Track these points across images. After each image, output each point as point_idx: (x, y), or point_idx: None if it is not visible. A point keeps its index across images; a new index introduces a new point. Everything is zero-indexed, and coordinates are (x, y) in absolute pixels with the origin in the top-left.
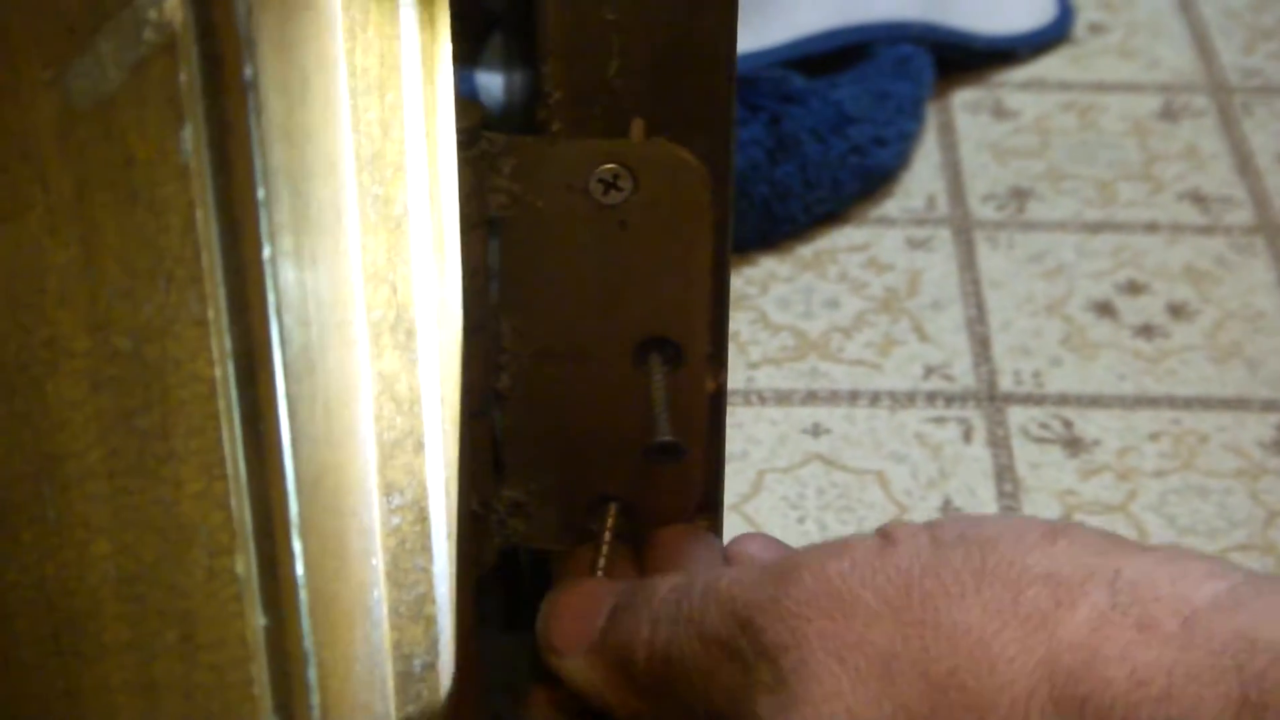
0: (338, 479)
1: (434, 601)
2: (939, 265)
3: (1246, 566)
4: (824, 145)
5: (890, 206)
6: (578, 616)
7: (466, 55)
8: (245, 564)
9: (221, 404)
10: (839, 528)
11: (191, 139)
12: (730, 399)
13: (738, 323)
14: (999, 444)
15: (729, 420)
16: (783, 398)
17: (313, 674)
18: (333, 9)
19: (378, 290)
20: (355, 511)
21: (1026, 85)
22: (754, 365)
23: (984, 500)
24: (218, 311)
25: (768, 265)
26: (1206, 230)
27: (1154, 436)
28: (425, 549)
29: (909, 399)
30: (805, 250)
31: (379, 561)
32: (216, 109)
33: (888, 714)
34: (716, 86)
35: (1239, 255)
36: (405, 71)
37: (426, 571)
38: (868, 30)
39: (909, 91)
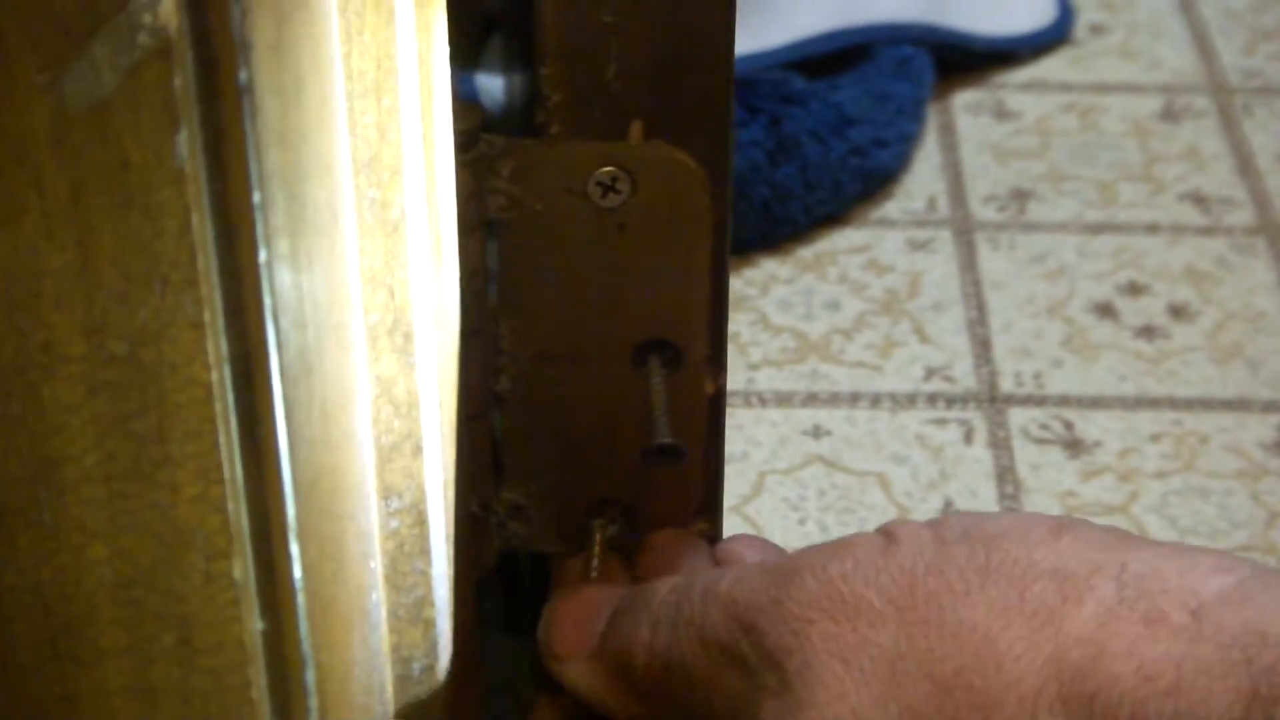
0: (335, 482)
1: (433, 604)
2: (940, 267)
3: (1253, 560)
4: (824, 147)
5: (891, 208)
6: (578, 622)
7: (467, 57)
8: (243, 568)
9: (218, 408)
10: (840, 529)
11: (187, 143)
12: (731, 400)
13: (738, 324)
14: (1000, 445)
15: (729, 422)
16: (783, 399)
17: (311, 677)
18: (328, 12)
19: (375, 293)
20: (353, 515)
21: (1027, 86)
22: (754, 367)
23: (985, 502)
24: (214, 315)
25: (768, 267)
26: (1207, 231)
27: (1155, 437)
28: (424, 552)
29: (910, 400)
30: (806, 252)
31: (377, 564)
32: (212, 113)
33: (893, 716)
34: (715, 89)
35: (1240, 256)
36: (402, 75)
37: (425, 574)
38: (868, 31)
39: (909, 93)
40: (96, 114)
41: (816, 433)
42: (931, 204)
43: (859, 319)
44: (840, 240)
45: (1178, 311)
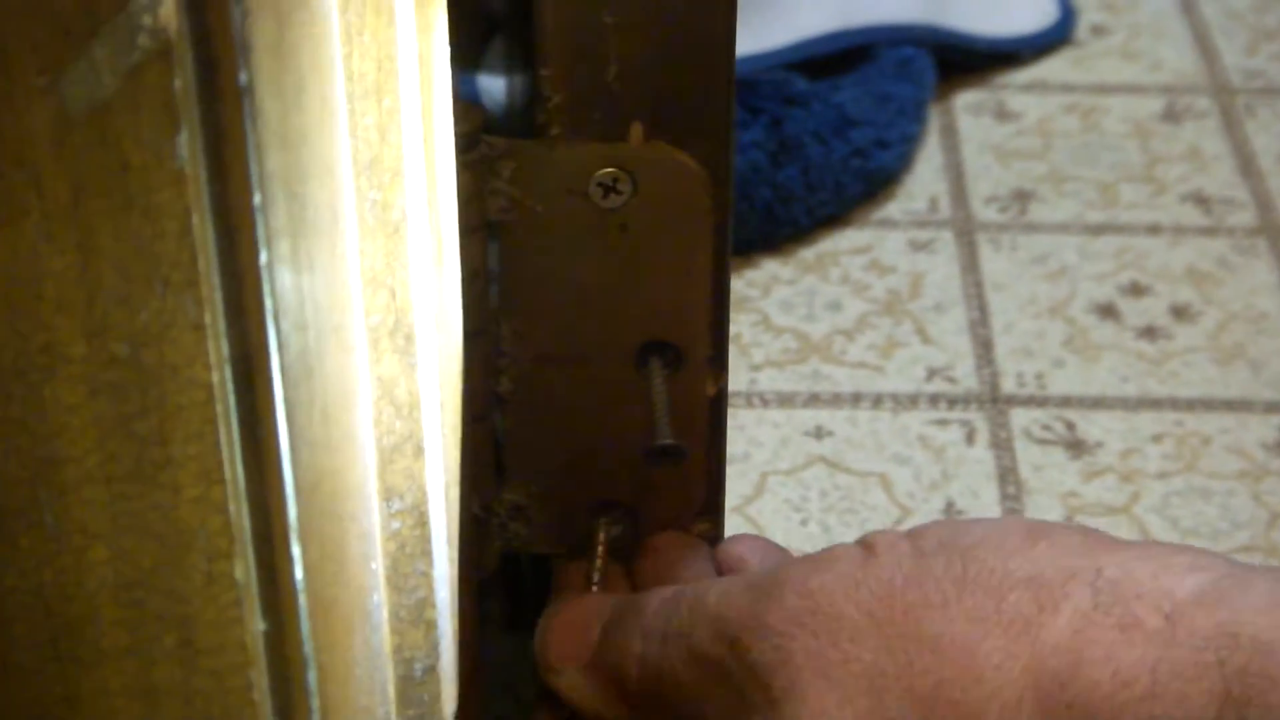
0: (336, 484)
1: (434, 605)
2: (941, 267)
3: (1228, 557)
4: (826, 148)
5: (892, 209)
6: (572, 632)
7: (468, 58)
8: (244, 569)
9: (219, 409)
10: (842, 530)
11: (187, 144)
12: (732, 401)
13: (740, 325)
14: (1002, 446)
15: (731, 422)
16: (785, 400)
17: (313, 679)
18: (329, 14)
19: (376, 295)
20: (355, 516)
21: (1029, 87)
22: (756, 367)
23: (987, 502)
24: (215, 317)
25: (770, 268)
26: (1209, 232)
27: (1157, 438)
28: (425, 553)
29: (911, 401)
30: (807, 253)
31: (379, 566)
32: (212, 114)
33: None
34: (716, 90)
35: (1241, 257)
36: (402, 76)
37: (426, 575)
38: (869, 32)
39: (911, 94)
40: (96, 115)
41: (818, 433)
42: (933, 205)
43: (861, 320)
44: (842, 241)
45: (1179, 312)
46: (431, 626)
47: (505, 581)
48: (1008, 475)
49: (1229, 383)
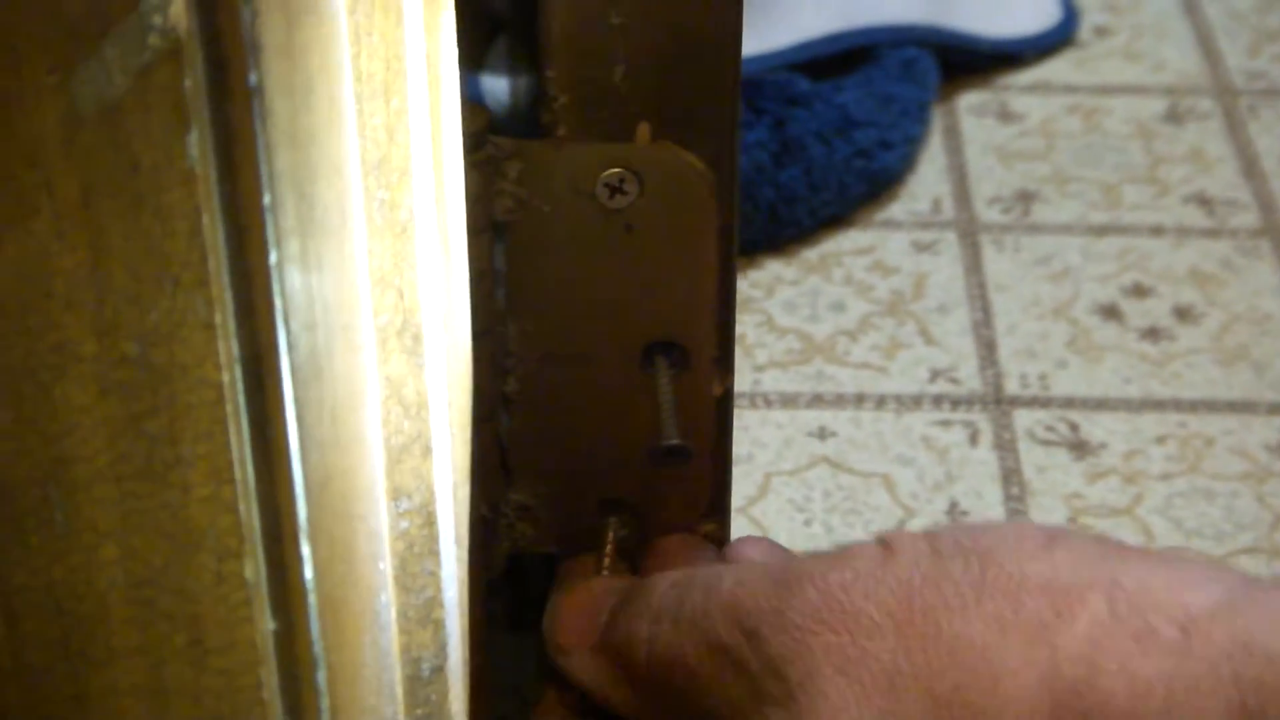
0: (346, 483)
1: (442, 605)
2: (945, 268)
3: (1244, 570)
4: (829, 148)
5: (896, 209)
6: (582, 615)
7: (471, 59)
8: (254, 568)
9: (229, 408)
10: (845, 530)
11: (197, 144)
12: (736, 402)
13: (743, 325)
14: (1005, 447)
15: (735, 423)
16: (788, 401)
17: (322, 678)
18: (337, 14)
19: (384, 295)
20: (363, 516)
21: (1031, 88)
22: (760, 368)
23: (990, 503)
24: (225, 316)
25: (773, 268)
26: (1212, 233)
27: (1160, 439)
28: (433, 553)
29: (915, 402)
30: (811, 253)
31: (387, 566)
32: (222, 114)
33: None
34: (722, 90)
35: (1245, 258)
36: (410, 76)
37: (434, 575)
38: (872, 33)
39: (914, 94)
40: (107, 115)
41: (822, 434)
42: (936, 206)
43: (864, 320)
44: (845, 242)
45: (1183, 313)
46: (439, 626)
47: (509, 582)
48: (1011, 476)
49: (1232, 384)
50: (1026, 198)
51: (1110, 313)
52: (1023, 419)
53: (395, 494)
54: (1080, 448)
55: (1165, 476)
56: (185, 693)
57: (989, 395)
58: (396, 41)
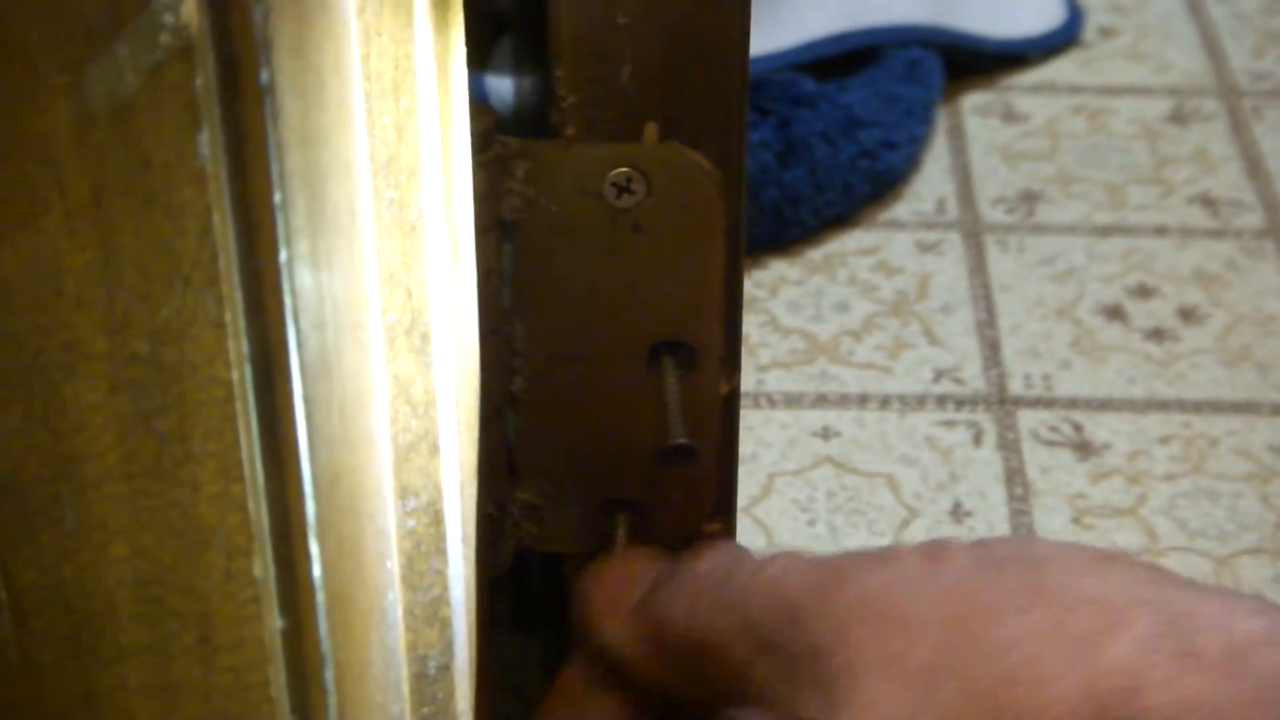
0: (354, 481)
1: (449, 604)
2: (949, 268)
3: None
4: (834, 149)
5: (900, 210)
6: (620, 585)
7: (476, 59)
8: (263, 566)
9: (239, 406)
10: (849, 531)
11: (208, 143)
12: (740, 402)
13: (747, 325)
14: (1009, 447)
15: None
16: (792, 401)
17: (330, 676)
18: (347, 13)
19: (393, 294)
20: (371, 514)
21: (1036, 88)
22: (763, 368)
23: (994, 504)
24: (235, 315)
25: (777, 268)
26: (1216, 234)
27: (1164, 440)
28: (440, 551)
29: (919, 402)
30: (815, 253)
31: (394, 564)
32: (233, 113)
33: None
34: (729, 89)
35: (1249, 259)
36: (420, 75)
37: (441, 574)
38: (877, 33)
39: (919, 95)
40: (118, 114)
41: (825, 434)
42: (940, 206)
43: (868, 321)
44: (849, 242)
45: (1187, 314)
46: (446, 625)
47: (513, 581)
48: (1015, 476)
49: (1236, 385)
50: (1031, 198)
51: (1114, 313)
52: (1026, 419)
53: (402, 492)
54: (1084, 448)
55: (1169, 477)
56: (194, 690)
57: (993, 395)
58: (406, 41)
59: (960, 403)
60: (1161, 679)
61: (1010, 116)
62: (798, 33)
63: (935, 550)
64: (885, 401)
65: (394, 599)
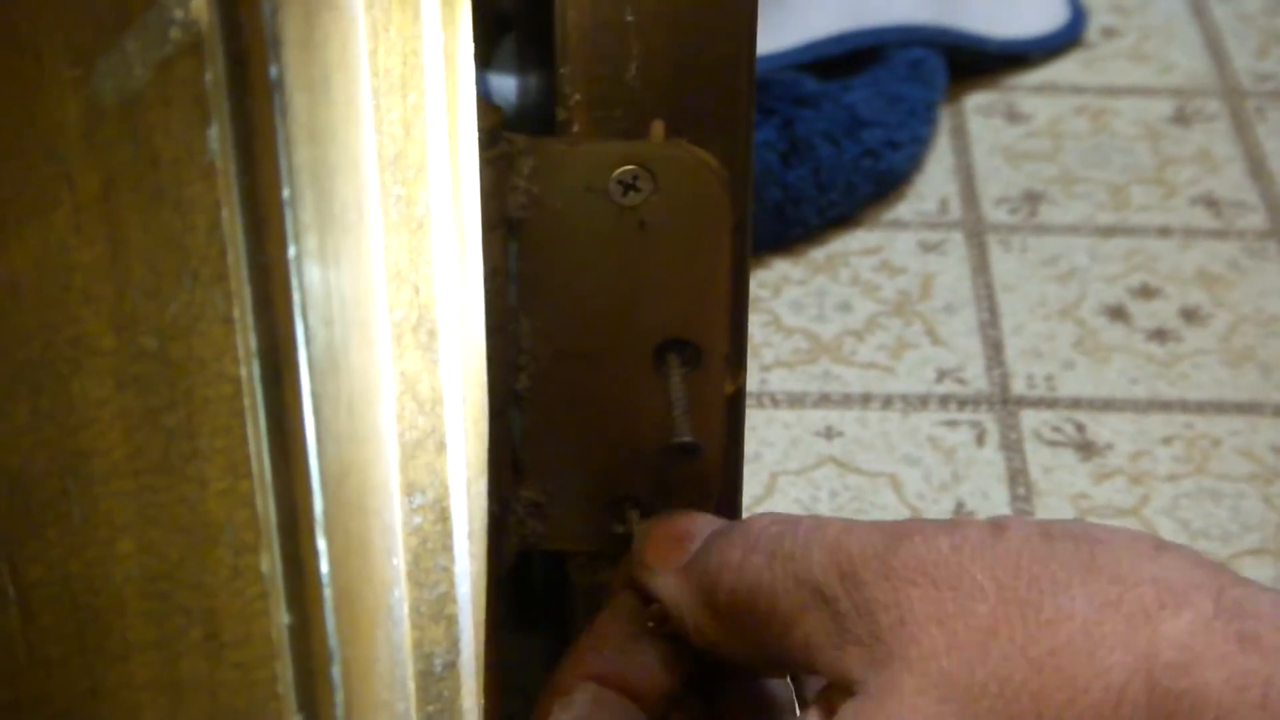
0: (361, 478)
1: (455, 601)
2: (951, 268)
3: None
4: (837, 148)
5: (903, 210)
6: (675, 538)
7: (478, 58)
8: (270, 562)
9: (247, 402)
10: None
11: (217, 138)
12: None
13: (750, 325)
14: (1012, 447)
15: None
16: (795, 400)
17: (337, 673)
18: (355, 9)
19: (400, 290)
20: (378, 511)
21: (1039, 89)
22: (766, 368)
23: (997, 503)
24: (243, 310)
25: (780, 268)
26: (1219, 234)
27: (1167, 440)
28: (447, 548)
29: (921, 402)
30: (818, 253)
31: (400, 561)
32: (242, 108)
33: (980, 681)
34: (736, 88)
35: (1252, 260)
36: (427, 72)
37: (448, 571)
38: (880, 33)
39: (922, 95)
40: (128, 108)
41: (829, 434)
42: (943, 206)
43: (871, 320)
44: (852, 242)
45: (1190, 315)
46: (452, 622)
47: (516, 580)
48: (1018, 477)
49: (1239, 385)
50: (1033, 198)
51: (1117, 313)
52: (1029, 419)
53: (409, 489)
54: (1087, 448)
55: (1172, 477)
56: (201, 686)
57: (995, 395)
58: (414, 37)
59: (963, 403)
60: (1217, 657)
61: (1013, 117)
62: (801, 32)
63: (998, 523)
64: (888, 401)
65: (400, 596)
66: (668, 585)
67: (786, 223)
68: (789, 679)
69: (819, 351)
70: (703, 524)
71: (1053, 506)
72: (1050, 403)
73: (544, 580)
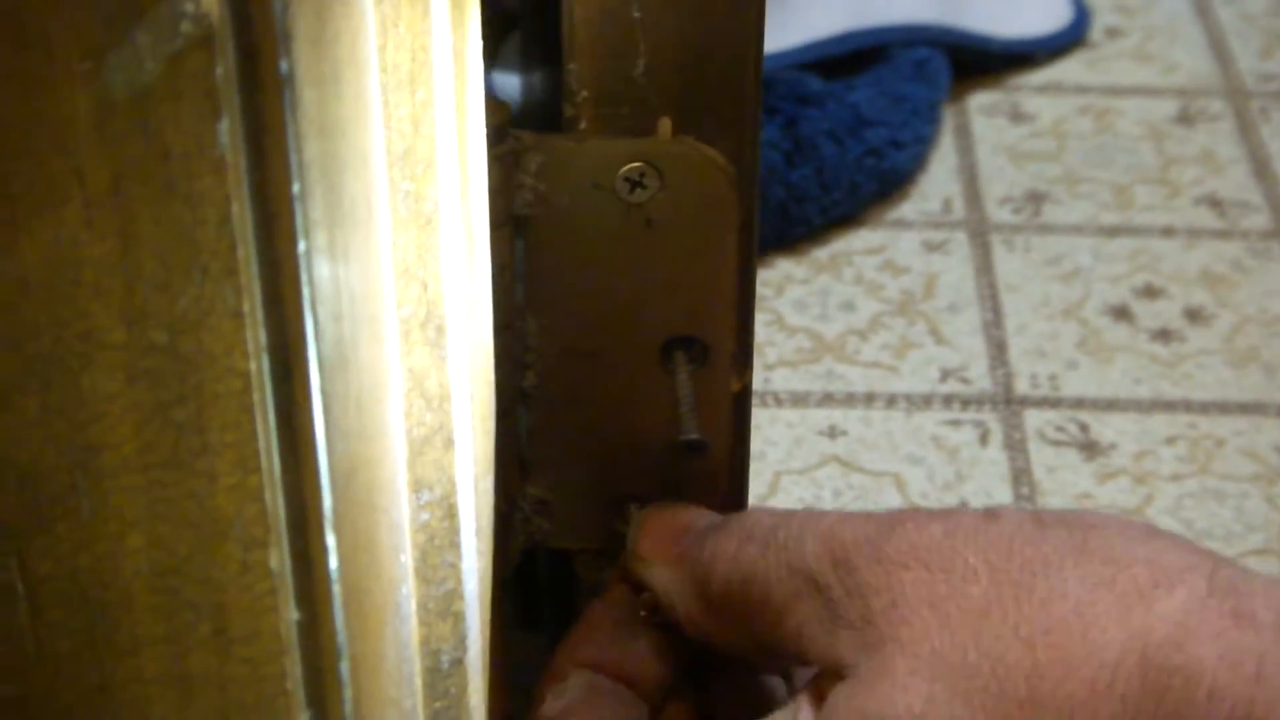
0: (370, 474)
1: (462, 598)
2: (955, 268)
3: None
4: (840, 148)
5: (906, 209)
6: (670, 530)
7: (484, 56)
8: (279, 558)
9: (256, 397)
10: None
11: (228, 132)
12: None
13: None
14: (1015, 447)
15: None
16: (799, 399)
17: (345, 668)
18: (365, 5)
19: (408, 287)
20: (386, 507)
21: (1043, 89)
22: (770, 367)
23: (1000, 503)
24: (253, 305)
25: (784, 267)
26: (1223, 235)
27: (1170, 440)
28: (454, 545)
29: (925, 401)
30: (821, 253)
31: (408, 558)
32: (253, 103)
33: (973, 661)
34: (743, 85)
35: (1256, 260)
36: (436, 68)
37: (455, 568)
38: (884, 33)
39: (925, 94)
40: (138, 102)
41: (832, 433)
42: (947, 205)
43: (874, 320)
44: (856, 241)
45: (1194, 315)
46: (459, 619)
47: (520, 578)
48: (1021, 476)
49: (1243, 385)
50: (1037, 198)
51: (1121, 314)
52: (1033, 419)
53: (417, 486)
54: (1090, 448)
55: (1175, 477)
56: (209, 682)
57: (999, 395)
58: (423, 33)
59: (967, 402)
60: (1211, 633)
61: (1017, 116)
62: (805, 32)
63: (991, 511)
64: (892, 401)
65: (408, 593)
66: (661, 575)
67: (790, 222)
68: (783, 676)
69: (822, 351)
70: (696, 516)
71: (1056, 506)
72: (1054, 402)
73: (549, 578)
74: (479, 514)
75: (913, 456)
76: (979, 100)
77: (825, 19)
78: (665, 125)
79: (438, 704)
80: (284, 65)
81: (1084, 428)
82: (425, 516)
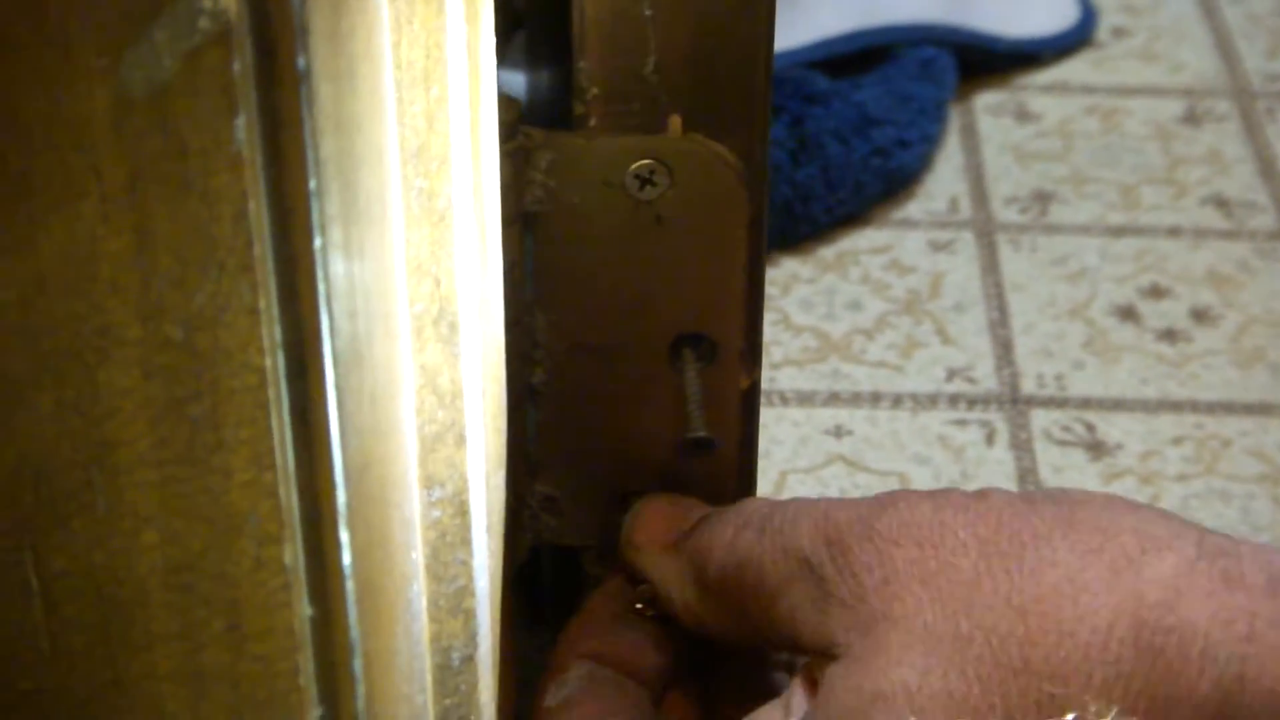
0: (382, 471)
1: (473, 595)
2: (961, 268)
3: None
4: (846, 147)
5: (912, 208)
6: (665, 519)
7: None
8: (293, 554)
9: (271, 394)
10: None
11: (245, 128)
12: None
13: None
14: (1021, 447)
15: None
16: (805, 399)
17: (358, 665)
18: (379, 1)
19: (421, 283)
20: (398, 504)
21: (1049, 88)
22: (776, 366)
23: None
24: (269, 301)
25: (789, 266)
26: (1230, 235)
27: (1177, 441)
28: (465, 542)
29: (931, 401)
30: (827, 252)
31: (419, 555)
32: (270, 99)
33: (965, 631)
34: (753, 84)
35: (1262, 260)
36: (450, 65)
37: (466, 565)
38: (890, 32)
39: (932, 94)
40: (156, 98)
41: (838, 432)
42: (953, 205)
43: (880, 319)
44: (862, 240)
45: (1200, 315)
46: (470, 616)
47: (526, 576)
48: (1027, 476)
49: (1249, 386)
50: (1044, 198)
51: (1127, 313)
52: (1039, 419)
53: (428, 483)
54: (1096, 448)
55: (1181, 478)
56: (223, 678)
57: (1005, 395)
58: (437, 30)
59: (973, 402)
60: (1203, 594)
61: (1023, 116)
62: (811, 30)
63: (980, 490)
64: (898, 400)
65: (419, 589)
66: (657, 564)
67: (795, 221)
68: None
69: (828, 350)
70: (691, 506)
71: None
72: (1060, 402)
73: (555, 576)
74: (490, 511)
75: (919, 456)
76: (985, 100)
77: (833, 18)
78: (675, 123)
79: (448, 700)
80: (301, 60)
81: (1090, 428)
82: (437, 513)
